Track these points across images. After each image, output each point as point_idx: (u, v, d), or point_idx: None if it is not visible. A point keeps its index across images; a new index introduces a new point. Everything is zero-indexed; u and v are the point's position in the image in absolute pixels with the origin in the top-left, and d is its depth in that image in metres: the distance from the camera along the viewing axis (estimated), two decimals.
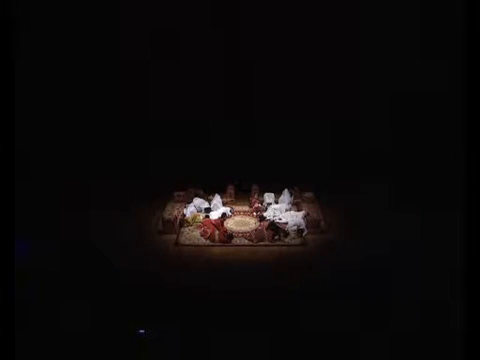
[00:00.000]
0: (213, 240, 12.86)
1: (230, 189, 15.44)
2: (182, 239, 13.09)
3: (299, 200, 14.94)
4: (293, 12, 15.76)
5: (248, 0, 15.76)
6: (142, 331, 8.53)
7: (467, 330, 6.41)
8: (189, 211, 14.24)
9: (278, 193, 15.03)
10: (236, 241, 12.93)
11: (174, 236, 13.13)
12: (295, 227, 13.17)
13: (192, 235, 13.29)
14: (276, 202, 14.75)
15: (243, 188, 15.61)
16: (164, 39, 16.08)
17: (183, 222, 13.86)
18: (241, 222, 14.12)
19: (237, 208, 14.92)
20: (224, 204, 14.84)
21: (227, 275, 11.03)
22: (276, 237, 12.92)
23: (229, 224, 13.80)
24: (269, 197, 14.91)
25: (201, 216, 13.97)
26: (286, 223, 13.18)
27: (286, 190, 15.01)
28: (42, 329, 8.84)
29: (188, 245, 12.80)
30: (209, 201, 14.82)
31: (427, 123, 15.79)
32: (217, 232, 12.97)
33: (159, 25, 15.87)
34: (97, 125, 16.68)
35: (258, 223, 13.66)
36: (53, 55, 15.88)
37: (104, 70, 16.33)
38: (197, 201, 14.74)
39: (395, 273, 10.56)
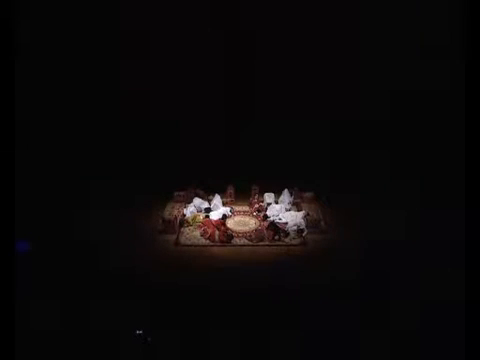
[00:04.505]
0: (213, 240, 12.85)
1: (230, 189, 15.44)
2: (182, 239, 13.08)
3: (299, 200, 14.96)
4: (292, 13, 15.78)
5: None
6: (140, 332, 8.49)
7: (467, 330, 6.41)
8: (189, 211, 14.25)
9: (278, 193, 15.04)
10: (236, 241, 12.94)
11: (174, 236, 13.13)
12: (295, 227, 13.17)
13: (192, 235, 13.28)
14: (276, 202, 14.75)
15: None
16: (165, 38, 16.10)
17: (183, 222, 13.87)
18: (241, 222, 14.12)
19: (237, 208, 14.93)
20: (224, 204, 14.84)
21: (227, 275, 11.02)
22: (276, 237, 12.93)
23: (229, 224, 13.78)
24: (269, 197, 14.91)
25: (201, 216, 13.97)
26: (286, 223, 13.18)
27: (286, 190, 15.00)
28: (41, 329, 8.83)
29: (188, 245, 12.80)
30: (209, 201, 14.83)
31: (427, 123, 15.79)
32: (217, 232, 12.97)
33: (159, 24, 15.88)
34: (97, 125, 16.66)
35: (259, 222, 13.65)
36: (53, 54, 15.87)
37: (104, 69, 16.31)
38: (197, 201, 14.74)
39: (395, 273, 10.57)
